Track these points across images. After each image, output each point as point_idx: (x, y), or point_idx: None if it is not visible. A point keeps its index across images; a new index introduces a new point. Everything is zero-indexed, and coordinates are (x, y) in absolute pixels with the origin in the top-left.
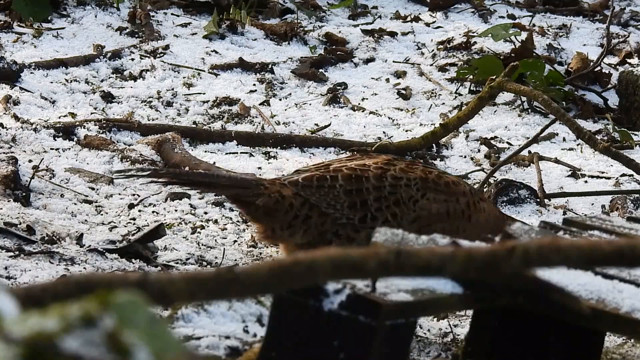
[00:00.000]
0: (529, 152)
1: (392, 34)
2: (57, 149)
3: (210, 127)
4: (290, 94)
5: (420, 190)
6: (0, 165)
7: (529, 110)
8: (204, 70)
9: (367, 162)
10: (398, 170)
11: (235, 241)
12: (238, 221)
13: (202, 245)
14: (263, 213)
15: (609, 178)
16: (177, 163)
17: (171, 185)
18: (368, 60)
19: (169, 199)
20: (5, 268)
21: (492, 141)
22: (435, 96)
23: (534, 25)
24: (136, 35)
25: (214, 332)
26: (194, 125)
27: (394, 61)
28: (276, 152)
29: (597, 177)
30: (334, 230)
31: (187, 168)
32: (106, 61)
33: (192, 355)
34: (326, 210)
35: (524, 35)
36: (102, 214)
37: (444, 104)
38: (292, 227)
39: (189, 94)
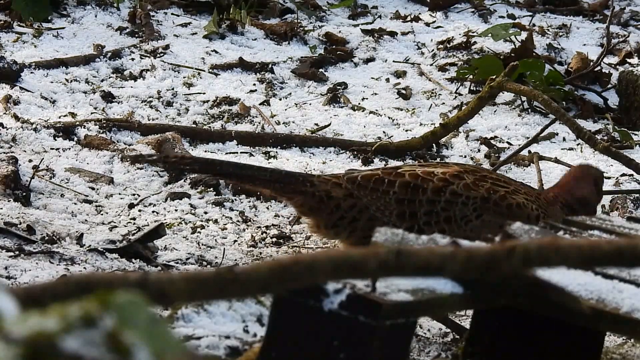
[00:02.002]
0: (529, 151)
1: (392, 34)
2: (57, 149)
3: (210, 127)
4: (290, 93)
5: (476, 211)
6: (0, 165)
7: (529, 110)
8: (204, 70)
9: (436, 171)
10: (462, 186)
11: (235, 241)
12: (238, 221)
13: (202, 245)
14: (308, 209)
15: (608, 178)
16: None
17: (199, 174)
18: (368, 60)
19: (169, 198)
20: (6, 268)
21: (492, 141)
22: (435, 96)
23: (533, 25)
24: (136, 35)
25: (214, 332)
26: (194, 125)
27: (394, 61)
28: (276, 152)
29: None
30: None
31: None
32: (106, 61)
33: (192, 355)
34: (375, 213)
35: (523, 35)
36: (102, 214)
37: (444, 103)
38: (337, 227)
39: (189, 94)
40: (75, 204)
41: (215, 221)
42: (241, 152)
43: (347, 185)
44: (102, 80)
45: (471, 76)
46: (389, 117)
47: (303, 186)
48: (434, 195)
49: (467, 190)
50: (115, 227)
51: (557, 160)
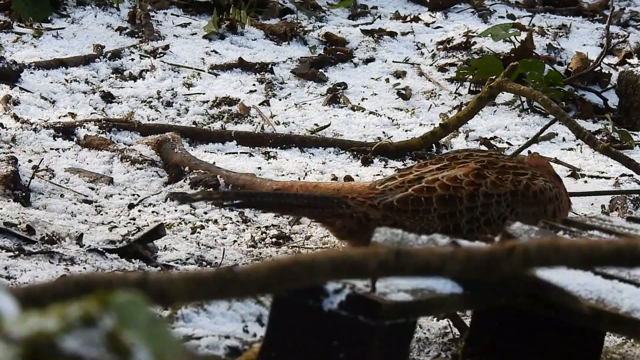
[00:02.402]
0: (529, 152)
1: (392, 34)
2: (57, 149)
3: (210, 127)
4: (290, 94)
5: (510, 206)
6: (0, 165)
7: (529, 110)
8: (203, 70)
9: (458, 175)
10: (490, 184)
11: (235, 241)
12: (238, 221)
13: (202, 245)
14: (347, 232)
15: (608, 178)
16: (177, 163)
17: (242, 208)
18: (368, 60)
19: (168, 199)
20: (5, 268)
21: (491, 141)
22: (435, 96)
23: (533, 25)
24: (136, 35)
25: (214, 332)
26: (194, 125)
27: (393, 61)
28: (276, 152)
29: (597, 177)
30: None
31: (187, 168)
32: (106, 61)
33: (192, 355)
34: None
35: (523, 35)
36: (102, 214)
37: (443, 104)
38: None
39: (189, 94)
40: (75, 204)
41: (215, 221)
42: (241, 152)
43: (386, 212)
44: (102, 81)
45: (471, 76)
46: (388, 118)
47: (339, 208)
48: (470, 202)
49: (495, 188)
50: (115, 227)
51: (556, 161)
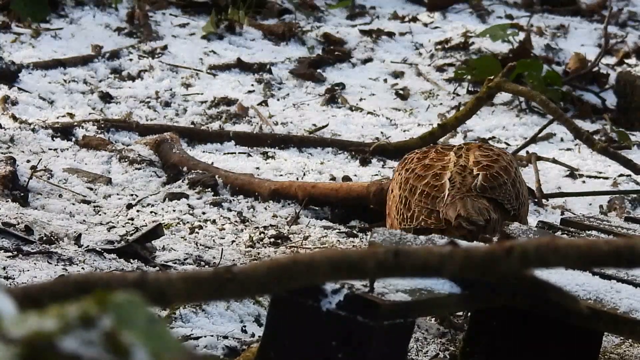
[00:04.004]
0: (527, 152)
1: (390, 34)
2: (55, 149)
3: (208, 127)
4: (288, 94)
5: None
6: None
7: (527, 110)
8: (202, 71)
9: (480, 155)
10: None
11: (233, 241)
12: (236, 221)
13: (200, 245)
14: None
15: (606, 178)
16: (175, 163)
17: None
18: (366, 61)
19: (167, 199)
20: (4, 268)
21: (490, 141)
22: (433, 96)
23: (531, 25)
24: (134, 36)
25: (212, 332)
26: (192, 126)
27: (391, 61)
28: (274, 152)
29: (595, 177)
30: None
31: (185, 168)
32: (104, 61)
33: (191, 355)
34: (506, 206)
35: (521, 36)
36: (100, 214)
37: (441, 104)
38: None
39: (187, 94)
40: (73, 204)
41: (213, 221)
42: (239, 153)
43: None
44: (100, 81)
45: (469, 76)
46: (386, 118)
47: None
48: (516, 170)
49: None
50: (114, 227)
51: (554, 161)
